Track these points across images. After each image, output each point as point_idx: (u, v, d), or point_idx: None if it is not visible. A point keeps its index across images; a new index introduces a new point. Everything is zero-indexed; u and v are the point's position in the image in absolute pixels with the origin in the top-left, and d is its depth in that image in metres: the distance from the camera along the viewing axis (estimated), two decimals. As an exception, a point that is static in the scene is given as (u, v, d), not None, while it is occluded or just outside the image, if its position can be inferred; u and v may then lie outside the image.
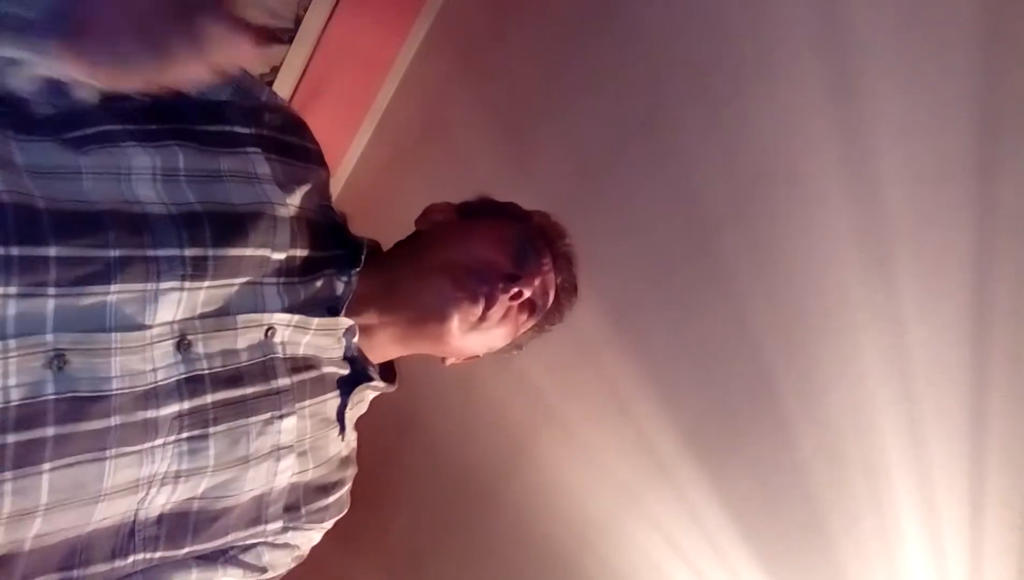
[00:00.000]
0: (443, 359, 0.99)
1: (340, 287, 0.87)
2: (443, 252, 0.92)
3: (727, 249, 1.45)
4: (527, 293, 0.91)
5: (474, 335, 0.91)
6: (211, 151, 0.78)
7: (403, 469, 1.99)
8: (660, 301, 1.55)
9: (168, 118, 0.76)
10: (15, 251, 0.64)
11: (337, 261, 0.88)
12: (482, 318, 0.89)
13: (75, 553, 0.71)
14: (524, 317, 0.95)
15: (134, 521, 0.74)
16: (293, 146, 0.87)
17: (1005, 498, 1.18)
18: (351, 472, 0.97)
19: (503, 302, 0.89)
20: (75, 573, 0.71)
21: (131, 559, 0.75)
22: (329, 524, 0.95)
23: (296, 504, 0.89)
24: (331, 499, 0.93)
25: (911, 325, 1.25)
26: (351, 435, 0.95)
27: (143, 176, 0.73)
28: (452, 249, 0.92)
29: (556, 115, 1.75)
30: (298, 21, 1.85)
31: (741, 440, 1.45)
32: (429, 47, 2.00)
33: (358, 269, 0.87)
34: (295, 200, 0.84)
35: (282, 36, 0.88)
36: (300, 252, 0.84)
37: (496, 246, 0.92)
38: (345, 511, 0.97)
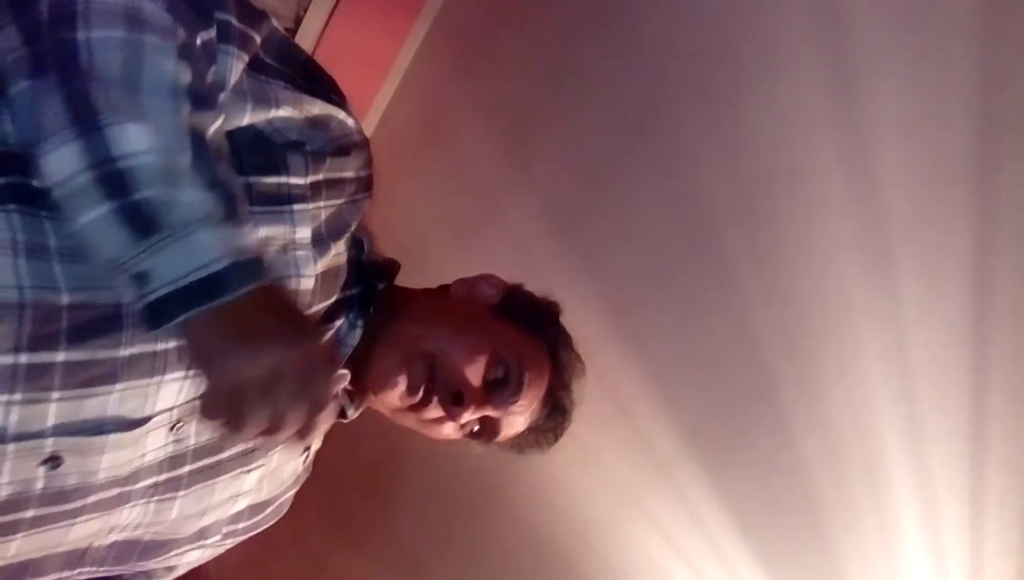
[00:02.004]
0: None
1: (344, 333, 0.85)
2: (427, 331, 0.87)
3: (727, 249, 1.45)
4: (462, 419, 0.86)
5: (405, 416, 0.88)
6: (252, 214, 0.72)
7: (404, 469, 1.98)
8: (660, 301, 1.55)
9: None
10: (24, 359, 0.62)
11: (351, 304, 0.86)
12: (412, 408, 0.86)
13: (27, 568, 0.74)
14: (468, 432, 0.91)
15: (87, 548, 0.77)
16: (348, 183, 0.82)
17: (1005, 498, 1.18)
18: (300, 480, 0.97)
19: (436, 410, 0.85)
20: None
21: (78, 570, 0.79)
22: (262, 529, 0.97)
23: (237, 521, 0.91)
24: (268, 511, 0.94)
25: (911, 325, 1.25)
26: (315, 445, 0.95)
27: None
28: (436, 335, 0.87)
29: (556, 115, 1.74)
30: (298, 21, 1.85)
31: (741, 440, 1.45)
32: (429, 47, 2.00)
33: (363, 322, 0.85)
34: (330, 253, 0.80)
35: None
36: (317, 306, 0.81)
37: (473, 358, 0.86)
38: (281, 515, 0.97)
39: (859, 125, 1.28)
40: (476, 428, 0.90)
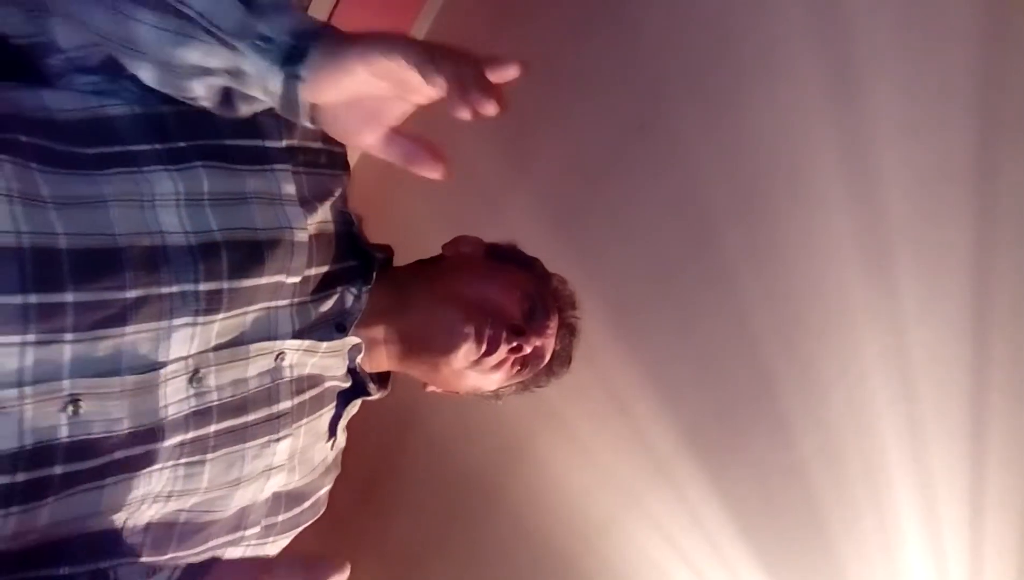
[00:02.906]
0: (425, 384, 1.01)
1: (350, 301, 0.88)
2: (461, 284, 0.93)
3: (727, 249, 1.45)
4: (527, 349, 0.94)
5: (469, 372, 0.93)
6: (239, 170, 0.77)
7: (403, 469, 1.99)
8: (660, 301, 1.55)
9: (199, 133, 0.75)
10: (33, 298, 0.64)
11: (350, 274, 0.89)
12: (479, 360, 0.91)
13: (61, 552, 0.73)
14: (515, 370, 0.97)
15: (123, 527, 0.76)
16: (323, 153, 0.87)
17: (1005, 498, 1.18)
18: (332, 476, 0.99)
19: (502, 350, 0.91)
20: (63, 570, 0.73)
21: (114, 561, 0.77)
22: (301, 529, 0.97)
23: (275, 512, 0.91)
24: (306, 505, 0.95)
25: (911, 325, 1.25)
26: (341, 438, 0.97)
27: (167, 203, 0.72)
28: (470, 284, 0.93)
29: (556, 115, 1.75)
30: (298, 21, 1.85)
31: (741, 440, 1.45)
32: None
33: (369, 287, 0.88)
34: (317, 216, 0.84)
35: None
36: (315, 270, 0.84)
37: (511, 295, 0.94)
38: (320, 513, 0.98)
39: (859, 125, 1.28)
40: (531, 361, 0.97)
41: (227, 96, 0.69)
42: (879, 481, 1.29)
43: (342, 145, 0.90)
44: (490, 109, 0.63)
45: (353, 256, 0.90)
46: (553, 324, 0.99)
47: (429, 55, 0.61)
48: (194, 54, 0.65)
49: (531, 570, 1.76)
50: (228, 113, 0.71)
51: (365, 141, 0.67)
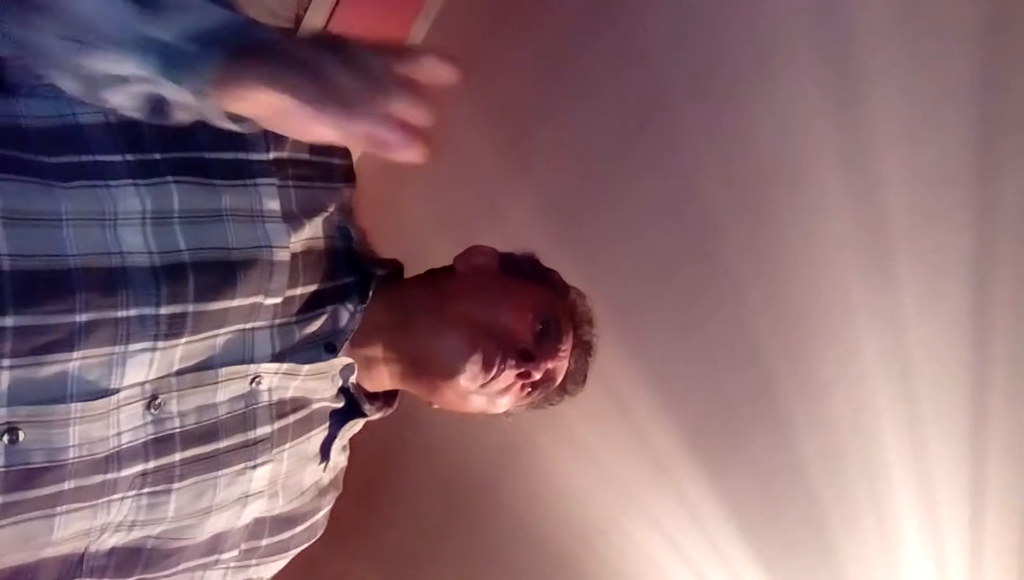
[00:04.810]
0: (430, 402, 0.95)
1: (344, 319, 0.83)
2: (470, 305, 0.87)
3: (727, 249, 1.45)
4: (536, 375, 0.88)
5: (474, 397, 0.88)
6: (215, 186, 0.72)
7: (402, 470, 1.98)
8: (660, 301, 1.55)
9: (176, 145, 0.70)
10: None
11: (346, 291, 0.85)
12: (485, 384, 0.86)
13: (19, 576, 0.70)
14: (525, 393, 0.92)
15: (84, 553, 0.73)
16: (315, 165, 0.82)
17: (1005, 498, 1.18)
18: (330, 498, 0.94)
19: (509, 375, 0.86)
20: None
21: None
22: (294, 553, 0.92)
23: (257, 536, 0.87)
24: (298, 529, 0.90)
25: (911, 325, 1.25)
26: (339, 458, 0.92)
27: (131, 221, 0.67)
28: (480, 304, 0.87)
29: (556, 116, 1.74)
30: (298, 21, 1.85)
31: (741, 440, 1.45)
32: (429, 47, 2.00)
33: (364, 306, 0.84)
34: (305, 233, 0.79)
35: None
36: (303, 289, 0.80)
37: (522, 316, 0.88)
38: (317, 536, 0.94)
39: (859, 125, 1.28)
40: (541, 385, 0.91)
41: (157, 104, 0.62)
42: (879, 481, 1.29)
43: (345, 155, 0.87)
44: (405, 153, 0.55)
45: (350, 272, 0.86)
46: (567, 346, 0.93)
47: (322, 90, 0.53)
48: (98, 62, 0.59)
49: (531, 570, 1.75)
50: (164, 122, 0.64)
51: (313, 136, 0.58)
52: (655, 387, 1.53)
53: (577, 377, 0.97)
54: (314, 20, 1.86)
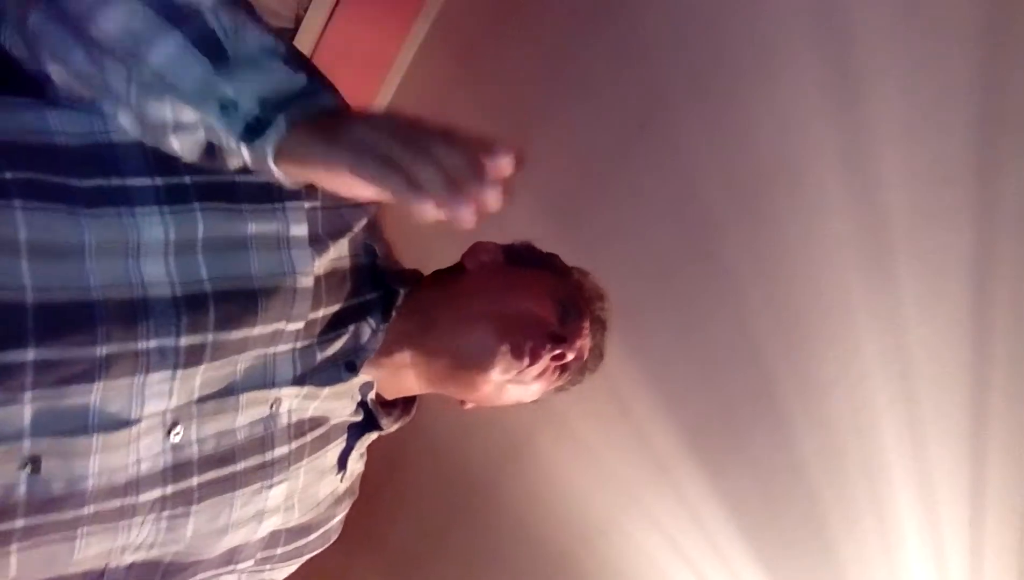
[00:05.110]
0: (462, 402, 0.95)
1: (366, 336, 0.83)
2: (489, 300, 0.88)
3: (727, 249, 1.45)
4: (570, 355, 0.88)
5: (510, 387, 0.88)
6: (242, 211, 0.72)
7: (403, 468, 1.98)
8: (660, 301, 1.55)
9: (207, 168, 0.69)
10: None
11: (368, 307, 0.84)
12: (522, 372, 0.86)
13: None
14: (556, 376, 0.92)
15: (104, 569, 0.74)
16: None
17: (1005, 498, 1.18)
18: (346, 504, 0.95)
19: (545, 360, 0.86)
20: None
21: None
22: (308, 557, 0.94)
23: (273, 545, 0.88)
24: (312, 536, 0.92)
25: (911, 325, 1.25)
26: (356, 466, 0.93)
27: (154, 252, 0.67)
28: (499, 297, 0.88)
29: (555, 116, 1.74)
30: (298, 21, 1.85)
31: (741, 440, 1.45)
32: (429, 47, 2.00)
33: (386, 325, 0.84)
34: (330, 254, 0.79)
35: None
36: (325, 311, 0.80)
37: (543, 302, 0.89)
38: (331, 541, 0.95)
39: (859, 125, 1.28)
40: (571, 364, 0.91)
41: (210, 149, 0.64)
42: (879, 481, 1.29)
43: None
44: (466, 220, 0.55)
45: (373, 288, 0.86)
46: (587, 323, 0.94)
47: (391, 170, 0.55)
48: (164, 109, 0.61)
49: (531, 569, 1.76)
50: (213, 165, 0.66)
51: (371, 195, 0.59)
52: (655, 387, 1.53)
53: (596, 353, 0.98)
54: (314, 20, 1.86)
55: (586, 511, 1.66)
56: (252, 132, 0.58)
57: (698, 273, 1.50)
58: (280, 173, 0.60)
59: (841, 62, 1.30)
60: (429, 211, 0.54)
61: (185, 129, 0.62)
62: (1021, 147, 1.15)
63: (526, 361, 0.84)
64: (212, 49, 0.59)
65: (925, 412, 1.25)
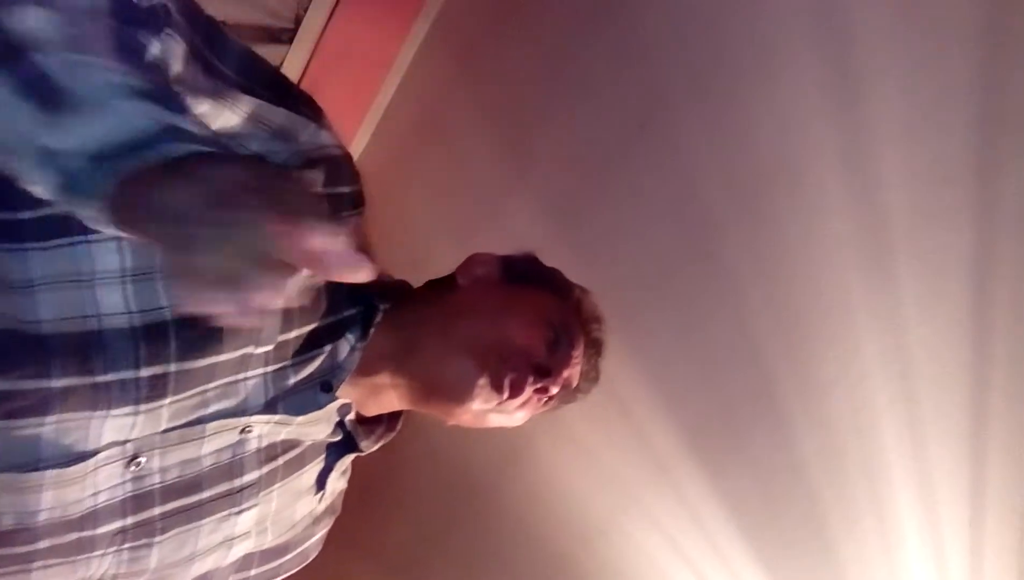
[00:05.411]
0: (445, 420, 0.92)
1: (344, 353, 0.80)
2: (477, 324, 0.84)
3: (727, 250, 1.45)
4: (554, 390, 0.86)
5: (491, 415, 0.85)
6: None
7: (403, 470, 1.98)
8: (660, 301, 1.55)
9: None
10: None
11: (346, 325, 0.81)
12: (502, 403, 0.83)
13: None
14: (542, 403, 0.89)
15: None
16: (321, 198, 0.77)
17: (1005, 498, 1.18)
18: (326, 523, 0.92)
19: (527, 392, 0.83)
20: None
21: None
22: (285, 576, 0.91)
23: (246, 568, 0.85)
24: (287, 556, 0.89)
25: (911, 325, 1.25)
26: (338, 484, 0.90)
27: (111, 280, 0.63)
28: (488, 323, 0.84)
29: (555, 116, 1.74)
30: (298, 21, 1.85)
31: (741, 440, 1.45)
32: (429, 47, 2.00)
33: (364, 343, 0.80)
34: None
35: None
36: (299, 331, 0.76)
37: (533, 329, 0.85)
38: (310, 560, 0.92)
39: (859, 125, 1.28)
40: (558, 394, 0.88)
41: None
42: (879, 481, 1.29)
43: (354, 180, 0.81)
44: (250, 321, 0.46)
45: (352, 303, 0.82)
46: (579, 351, 0.90)
47: (182, 240, 0.45)
48: None
49: (531, 570, 1.76)
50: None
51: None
52: (655, 387, 1.53)
53: (590, 375, 0.95)
54: (314, 20, 1.86)
55: (586, 512, 1.66)
56: (67, 189, 0.49)
57: (698, 273, 1.50)
58: (118, 231, 0.52)
59: (841, 62, 1.30)
60: (193, 304, 0.46)
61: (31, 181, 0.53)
62: (1021, 147, 1.14)
63: (506, 394, 0.82)
64: (41, 92, 0.50)
65: (925, 412, 1.25)
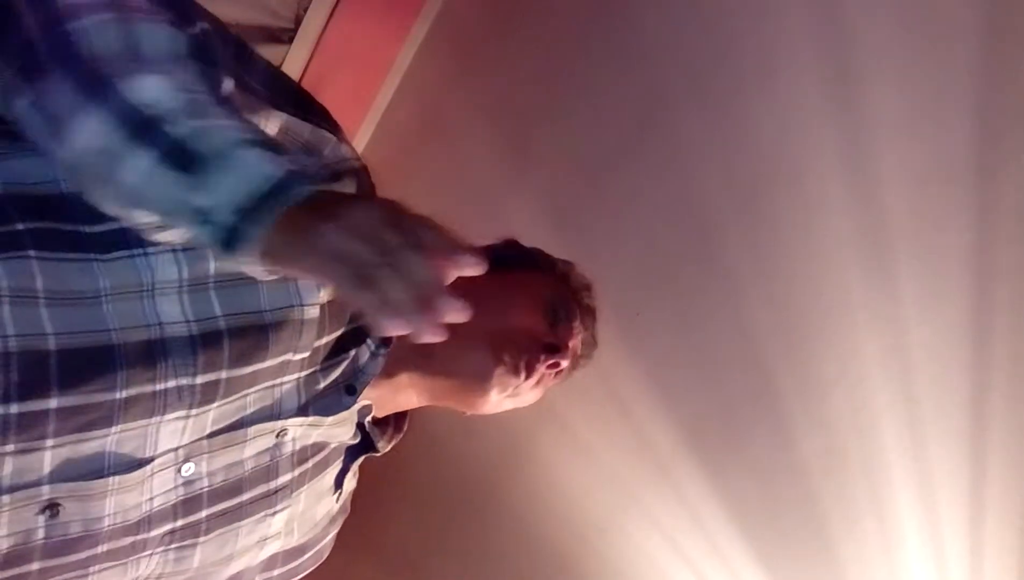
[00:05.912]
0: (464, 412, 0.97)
1: (365, 358, 0.84)
2: (481, 319, 0.88)
3: (727, 250, 1.45)
4: (564, 363, 0.91)
5: (509, 400, 0.91)
6: None
7: (402, 467, 1.98)
8: (660, 301, 1.55)
9: None
10: (14, 409, 0.60)
11: (368, 330, 0.85)
12: (519, 386, 0.89)
13: None
14: (552, 376, 0.94)
15: None
16: None
17: (1005, 498, 1.18)
18: (339, 522, 0.97)
19: (540, 369, 0.89)
20: None
21: None
22: (302, 575, 0.95)
23: (270, 568, 0.90)
24: (306, 556, 0.93)
25: (911, 326, 1.25)
26: (350, 484, 0.95)
27: (169, 291, 0.67)
28: (490, 316, 0.86)
29: (555, 116, 1.74)
30: (298, 21, 1.85)
31: (741, 440, 1.45)
32: (429, 47, 2.00)
33: (387, 350, 0.84)
34: None
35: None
36: (327, 338, 0.80)
37: (533, 311, 0.91)
38: (324, 559, 0.97)
39: (859, 125, 1.28)
40: (567, 365, 0.93)
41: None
42: (879, 481, 1.29)
43: (370, 184, 0.86)
44: (426, 335, 0.54)
45: None
46: (577, 322, 0.96)
47: (362, 288, 0.53)
48: (144, 217, 0.59)
49: (531, 569, 1.75)
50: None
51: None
52: (655, 387, 1.53)
53: (590, 342, 1.00)
54: (314, 20, 1.86)
55: (586, 511, 1.66)
56: (229, 244, 0.56)
57: (698, 273, 1.50)
58: (266, 272, 0.59)
59: (841, 61, 1.30)
60: (398, 328, 0.54)
61: (168, 229, 0.60)
62: (1021, 147, 1.14)
63: (523, 376, 0.87)
64: (180, 159, 0.55)
65: (925, 412, 1.25)
